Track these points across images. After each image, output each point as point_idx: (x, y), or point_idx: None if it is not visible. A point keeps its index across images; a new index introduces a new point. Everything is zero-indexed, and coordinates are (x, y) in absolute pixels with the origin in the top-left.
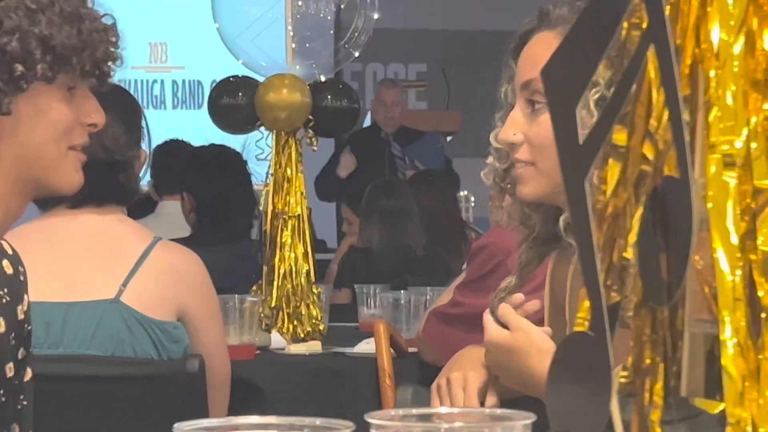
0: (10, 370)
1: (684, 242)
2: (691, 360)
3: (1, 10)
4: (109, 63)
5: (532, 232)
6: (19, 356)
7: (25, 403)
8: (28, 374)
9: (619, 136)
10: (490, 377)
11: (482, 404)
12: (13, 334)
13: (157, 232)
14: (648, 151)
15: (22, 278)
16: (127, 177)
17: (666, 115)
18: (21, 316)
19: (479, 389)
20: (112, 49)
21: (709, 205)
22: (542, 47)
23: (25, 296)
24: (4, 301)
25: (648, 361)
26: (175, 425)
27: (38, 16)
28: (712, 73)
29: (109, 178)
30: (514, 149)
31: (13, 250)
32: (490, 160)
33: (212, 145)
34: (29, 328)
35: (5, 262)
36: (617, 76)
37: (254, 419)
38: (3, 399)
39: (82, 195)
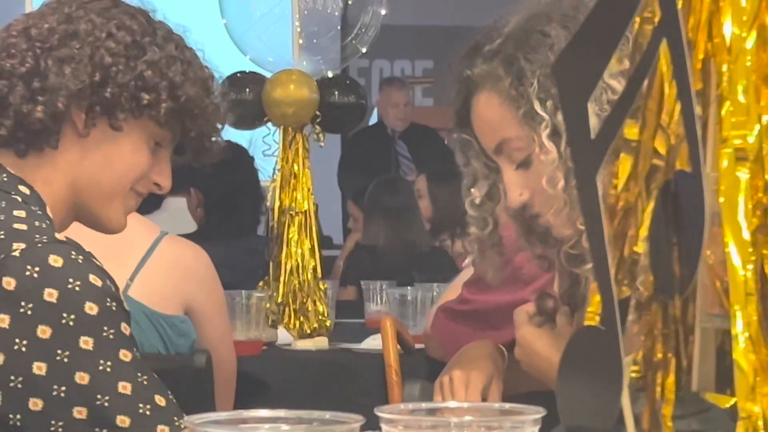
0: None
1: (696, 237)
2: (702, 354)
3: (148, 42)
4: (210, 141)
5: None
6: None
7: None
8: None
9: (631, 131)
10: (493, 376)
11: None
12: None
13: (162, 227)
14: (659, 146)
15: (99, 263)
16: None
17: (678, 110)
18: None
19: (482, 388)
20: (218, 130)
21: (721, 199)
22: (491, 110)
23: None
24: (114, 288)
25: (659, 355)
26: (185, 418)
27: (175, 65)
28: (724, 68)
29: None
30: (527, 207)
31: None
32: (472, 230)
33: None
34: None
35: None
36: (629, 70)
37: (263, 413)
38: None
39: None
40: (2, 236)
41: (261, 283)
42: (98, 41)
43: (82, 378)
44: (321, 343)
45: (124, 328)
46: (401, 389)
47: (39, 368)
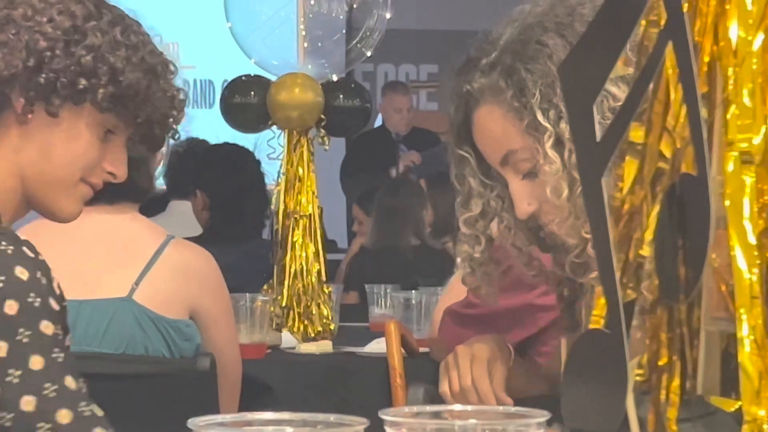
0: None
1: (701, 240)
2: (707, 358)
3: (91, 27)
4: (162, 128)
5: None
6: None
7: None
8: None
9: (636, 134)
10: (498, 356)
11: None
12: (60, 308)
13: (167, 230)
14: (665, 149)
15: (41, 258)
16: (141, 175)
17: (683, 113)
18: (58, 291)
19: (487, 361)
20: (170, 119)
21: (727, 202)
22: (494, 123)
23: (52, 274)
24: (43, 281)
25: (664, 358)
26: (190, 420)
27: (119, 50)
28: (730, 71)
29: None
30: (535, 217)
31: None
32: (464, 248)
33: (226, 144)
34: (65, 304)
35: (24, 248)
36: (635, 73)
37: (268, 415)
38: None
39: (102, 192)
40: None
41: (265, 287)
42: (37, 26)
43: None
44: (325, 346)
45: (45, 327)
46: (405, 393)
47: None
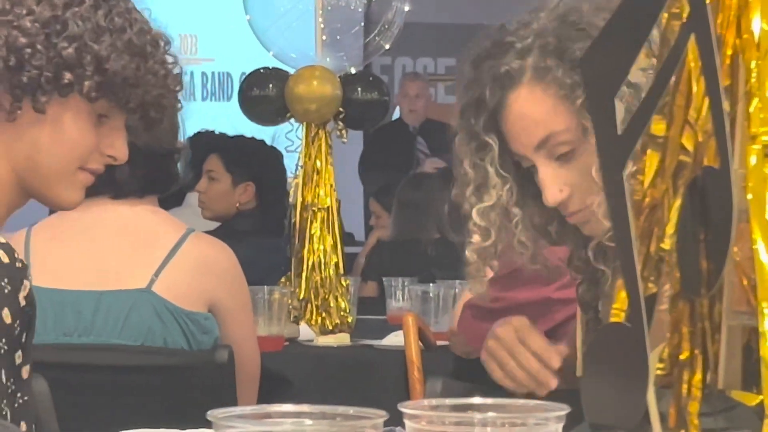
0: (18, 357)
1: (723, 234)
2: (729, 352)
3: (71, 14)
4: (157, 110)
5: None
6: (23, 340)
7: (26, 398)
8: (27, 371)
9: (658, 127)
10: (529, 321)
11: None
12: (18, 321)
13: (184, 222)
14: (687, 142)
15: (18, 264)
16: (172, 166)
17: (706, 106)
18: (23, 303)
19: (527, 324)
20: (166, 98)
21: (749, 196)
22: (535, 104)
23: (25, 281)
24: (6, 291)
25: (686, 353)
26: (209, 412)
27: (103, 36)
28: (753, 64)
29: (158, 167)
30: (564, 205)
31: (25, 239)
32: (475, 239)
33: (247, 138)
34: (30, 313)
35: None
36: (657, 66)
37: (287, 407)
38: (13, 387)
39: (132, 185)
40: None
41: (283, 279)
42: (16, 19)
43: None
44: (343, 339)
45: None
46: (422, 386)
47: None
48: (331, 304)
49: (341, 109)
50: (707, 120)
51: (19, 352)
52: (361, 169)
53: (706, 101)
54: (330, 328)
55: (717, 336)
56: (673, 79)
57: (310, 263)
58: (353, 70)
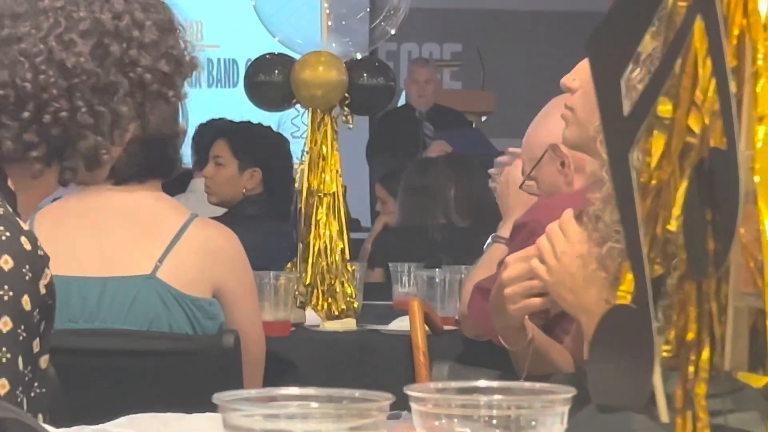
0: (36, 346)
1: (730, 215)
2: (735, 333)
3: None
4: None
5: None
6: (41, 329)
7: (43, 390)
8: (45, 361)
9: (664, 108)
10: None
11: None
12: (37, 310)
13: (189, 208)
14: (693, 124)
15: (41, 252)
16: (172, 151)
17: (712, 87)
18: (43, 291)
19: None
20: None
21: (756, 178)
22: None
23: (47, 270)
24: (27, 277)
25: (692, 334)
26: (215, 395)
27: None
28: (759, 45)
29: (158, 152)
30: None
31: (29, 226)
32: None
33: (254, 123)
34: (50, 303)
35: (23, 239)
36: (663, 48)
37: (293, 390)
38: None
39: (131, 171)
40: None
41: (289, 265)
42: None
43: None
44: (349, 324)
45: (3, 323)
46: (428, 371)
47: None
48: (337, 290)
49: (347, 94)
50: (714, 101)
51: (37, 340)
52: (369, 153)
53: (713, 82)
54: (336, 313)
55: (723, 317)
56: (680, 60)
57: (316, 249)
58: (359, 56)
